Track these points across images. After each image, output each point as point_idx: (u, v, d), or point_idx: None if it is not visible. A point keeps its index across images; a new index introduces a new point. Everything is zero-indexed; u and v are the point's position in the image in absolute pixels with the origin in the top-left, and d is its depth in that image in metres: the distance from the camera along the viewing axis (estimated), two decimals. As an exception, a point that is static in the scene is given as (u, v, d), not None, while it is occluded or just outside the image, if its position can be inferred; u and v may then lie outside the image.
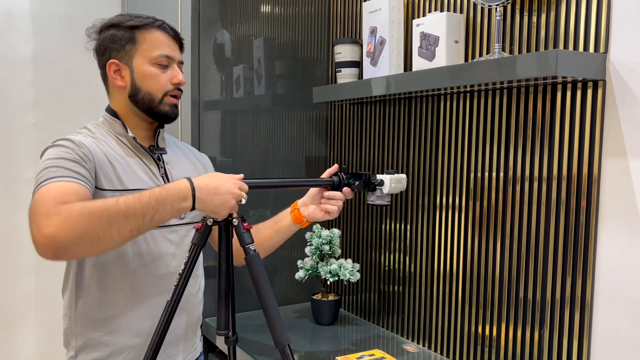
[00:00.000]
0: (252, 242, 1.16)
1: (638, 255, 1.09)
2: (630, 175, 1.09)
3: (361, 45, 1.73)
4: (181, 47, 1.33)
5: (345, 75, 1.75)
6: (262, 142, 1.89)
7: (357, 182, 1.37)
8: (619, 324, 1.12)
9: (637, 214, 1.08)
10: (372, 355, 1.45)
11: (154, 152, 1.32)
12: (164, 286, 1.28)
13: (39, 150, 2.14)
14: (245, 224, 1.18)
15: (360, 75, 1.74)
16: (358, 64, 1.75)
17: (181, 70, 1.31)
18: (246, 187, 1.18)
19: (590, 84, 1.15)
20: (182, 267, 1.16)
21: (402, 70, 1.58)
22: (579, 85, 1.17)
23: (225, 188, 1.14)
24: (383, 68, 1.58)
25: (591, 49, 1.14)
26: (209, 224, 1.17)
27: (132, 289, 1.26)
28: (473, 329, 1.43)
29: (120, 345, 1.26)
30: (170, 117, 1.30)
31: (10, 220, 2.23)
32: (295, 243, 1.92)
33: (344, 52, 1.74)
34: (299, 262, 1.75)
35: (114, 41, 1.26)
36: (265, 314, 1.14)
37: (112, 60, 1.27)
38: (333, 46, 1.82)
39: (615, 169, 1.12)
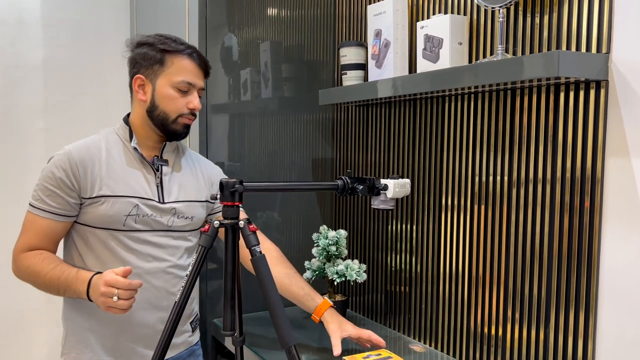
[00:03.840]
0: (258, 244, 1.18)
1: (642, 255, 1.09)
2: (633, 175, 1.09)
3: (366, 48, 1.75)
4: (206, 75, 1.43)
5: (351, 78, 1.76)
6: (269, 145, 1.91)
7: (361, 187, 1.38)
8: (624, 324, 1.12)
9: (641, 213, 1.09)
10: (379, 355, 1.46)
11: (155, 163, 1.40)
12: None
13: (50, 155, 2.23)
14: (251, 226, 1.20)
15: (366, 78, 1.76)
16: (363, 67, 1.76)
17: (200, 96, 1.41)
18: (119, 281, 1.19)
19: (592, 85, 1.15)
20: (190, 268, 1.18)
21: (406, 72, 1.59)
22: (582, 85, 1.17)
23: (97, 286, 1.22)
24: (388, 70, 1.59)
25: (593, 49, 1.14)
26: (215, 226, 1.19)
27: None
28: (479, 328, 1.44)
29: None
30: (179, 135, 1.42)
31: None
32: (302, 244, 1.94)
33: (349, 54, 1.75)
34: (306, 263, 1.76)
35: (145, 58, 1.38)
36: (271, 315, 1.15)
37: (138, 75, 1.39)
38: (338, 49, 1.83)
39: (618, 168, 1.12)
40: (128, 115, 1.45)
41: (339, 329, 1.43)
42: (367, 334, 1.46)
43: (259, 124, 1.89)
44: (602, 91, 1.13)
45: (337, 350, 1.39)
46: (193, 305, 1.55)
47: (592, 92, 1.15)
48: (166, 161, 1.43)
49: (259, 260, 1.17)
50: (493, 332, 1.40)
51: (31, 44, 2.27)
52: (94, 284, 1.24)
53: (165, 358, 1.41)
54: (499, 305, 1.38)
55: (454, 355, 1.51)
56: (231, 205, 1.20)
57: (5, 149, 2.24)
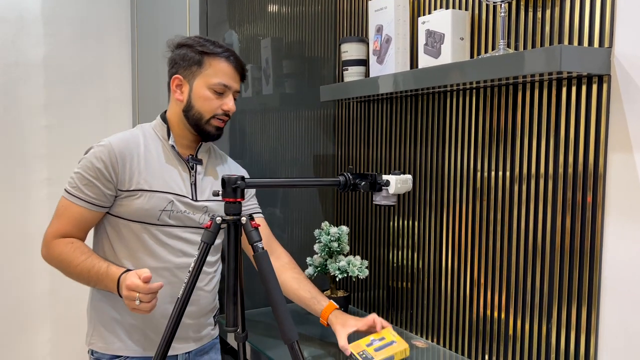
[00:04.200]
0: (260, 240, 1.18)
1: (644, 250, 1.09)
2: (635, 170, 1.09)
3: (367, 44, 1.74)
4: (243, 78, 1.46)
5: (352, 74, 1.76)
6: (271, 142, 1.91)
7: (363, 183, 1.38)
8: (626, 318, 1.12)
9: (643, 208, 1.09)
10: (383, 338, 1.45)
11: (190, 162, 1.44)
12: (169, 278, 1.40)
13: (52, 152, 2.25)
14: (253, 223, 1.20)
15: (367, 74, 1.75)
16: (365, 62, 1.76)
17: (235, 99, 1.45)
18: (139, 286, 1.22)
19: (595, 79, 1.15)
20: (192, 264, 1.19)
21: (408, 68, 1.59)
22: (584, 80, 1.17)
23: (122, 288, 1.27)
24: (389, 66, 1.59)
25: (596, 44, 1.14)
26: (218, 222, 1.19)
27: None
28: (481, 324, 1.44)
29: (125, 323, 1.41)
30: (212, 136, 1.45)
31: (25, 221, 2.27)
32: (304, 241, 1.94)
33: (350, 50, 1.75)
34: (308, 259, 1.76)
35: (183, 59, 1.42)
36: (273, 311, 1.16)
37: (177, 75, 1.43)
38: (340, 45, 1.83)
39: (621, 163, 1.12)
40: (164, 112, 1.48)
41: (343, 327, 1.44)
42: (370, 320, 1.46)
43: (260, 121, 1.89)
44: (605, 86, 1.13)
45: (346, 351, 1.40)
46: (216, 300, 1.57)
47: (595, 87, 1.15)
48: (200, 160, 1.47)
49: (261, 256, 1.17)
50: (495, 327, 1.40)
51: (32, 42, 2.27)
52: (121, 283, 1.28)
53: (190, 350, 1.48)
54: (501, 301, 1.38)
55: (456, 351, 1.52)
56: (233, 202, 1.21)
57: (7, 146, 2.24)
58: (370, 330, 1.46)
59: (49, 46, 2.30)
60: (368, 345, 1.42)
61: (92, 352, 1.43)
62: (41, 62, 2.29)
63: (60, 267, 1.38)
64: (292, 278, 1.53)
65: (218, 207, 1.46)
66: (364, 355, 1.39)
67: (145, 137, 1.43)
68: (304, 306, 1.52)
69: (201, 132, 1.43)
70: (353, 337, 1.50)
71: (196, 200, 1.43)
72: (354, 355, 1.40)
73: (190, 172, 1.44)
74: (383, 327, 1.46)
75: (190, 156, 1.45)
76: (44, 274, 2.31)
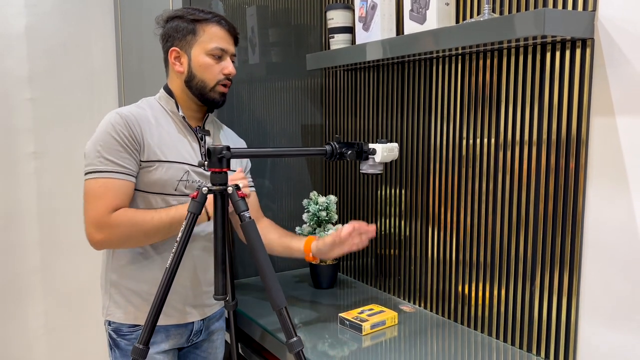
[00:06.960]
0: (247, 209, 1.19)
1: (624, 212, 1.11)
2: (617, 134, 1.10)
3: (353, 11, 1.72)
4: (236, 41, 1.47)
5: (338, 41, 1.74)
6: (258, 112, 1.90)
7: (349, 151, 1.38)
8: (607, 281, 1.15)
9: (624, 171, 1.10)
10: (372, 309, 1.50)
11: (199, 133, 1.46)
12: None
13: (38, 125, 2.20)
14: (240, 192, 1.20)
15: (353, 41, 1.74)
16: (351, 30, 1.74)
17: (233, 62, 1.45)
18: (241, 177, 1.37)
19: (578, 43, 1.15)
20: (179, 234, 1.19)
21: (394, 35, 1.58)
22: (568, 44, 1.17)
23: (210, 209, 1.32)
24: (375, 33, 1.57)
25: (580, 7, 1.13)
26: (204, 192, 1.20)
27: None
28: (466, 288, 1.47)
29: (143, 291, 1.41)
30: (217, 103, 1.46)
31: (12, 195, 2.26)
32: (293, 210, 1.95)
33: (336, 17, 1.73)
34: (297, 229, 1.78)
35: (177, 31, 1.42)
36: (262, 278, 1.17)
37: (173, 48, 1.42)
38: (325, 12, 1.80)
39: (603, 127, 1.12)
40: (165, 87, 1.48)
41: (327, 238, 1.48)
42: (352, 224, 1.46)
43: (247, 91, 1.87)
44: (588, 50, 1.13)
45: (344, 231, 1.44)
46: None
47: (578, 52, 1.15)
48: (208, 132, 1.49)
49: (248, 225, 1.18)
50: (480, 291, 1.43)
51: (12, 12, 2.22)
52: (207, 205, 1.33)
53: (204, 317, 1.49)
54: (485, 265, 1.41)
55: (442, 315, 1.55)
56: (219, 172, 1.21)
57: (-9, 120, 2.21)
58: (353, 233, 1.47)
59: (30, 17, 2.25)
60: (359, 314, 1.47)
61: (109, 323, 1.43)
62: (23, 33, 2.24)
63: (132, 234, 1.33)
64: (276, 234, 1.57)
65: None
66: (358, 319, 1.43)
67: (153, 110, 1.42)
68: (288, 249, 1.55)
69: (206, 100, 1.44)
70: (342, 309, 1.53)
71: (208, 171, 1.43)
72: (347, 320, 1.44)
73: (199, 143, 1.46)
74: (360, 232, 1.47)
75: (198, 127, 1.46)
76: (34, 248, 2.31)
